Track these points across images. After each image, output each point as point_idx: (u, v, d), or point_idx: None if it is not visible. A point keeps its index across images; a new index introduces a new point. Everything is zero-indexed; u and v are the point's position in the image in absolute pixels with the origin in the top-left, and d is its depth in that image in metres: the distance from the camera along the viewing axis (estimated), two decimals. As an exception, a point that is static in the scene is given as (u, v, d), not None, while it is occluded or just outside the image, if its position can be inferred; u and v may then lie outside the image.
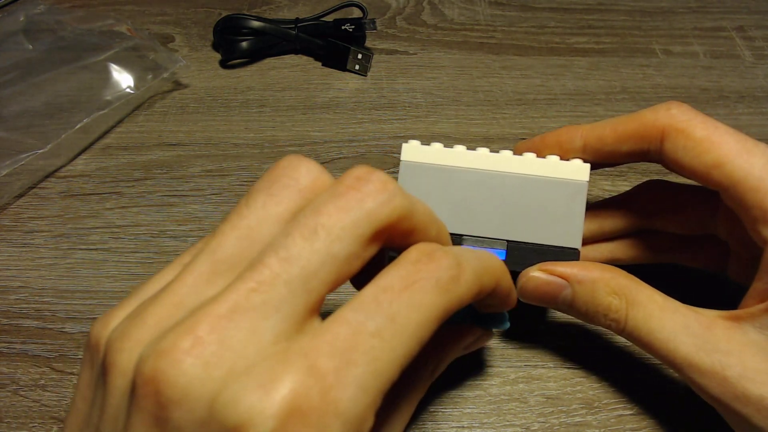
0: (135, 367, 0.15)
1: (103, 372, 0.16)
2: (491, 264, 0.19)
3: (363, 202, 0.16)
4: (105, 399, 0.16)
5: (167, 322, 0.16)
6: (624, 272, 0.25)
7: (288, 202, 0.17)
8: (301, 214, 0.16)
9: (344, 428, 0.14)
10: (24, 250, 0.32)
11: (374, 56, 0.42)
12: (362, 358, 0.15)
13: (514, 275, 0.26)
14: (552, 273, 0.25)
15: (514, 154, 0.26)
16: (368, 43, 0.43)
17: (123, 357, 0.16)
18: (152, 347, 0.15)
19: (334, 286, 0.16)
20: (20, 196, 0.35)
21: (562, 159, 0.26)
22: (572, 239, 0.26)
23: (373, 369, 0.15)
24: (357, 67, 0.41)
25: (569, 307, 0.25)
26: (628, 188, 0.35)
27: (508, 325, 0.25)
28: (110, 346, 0.16)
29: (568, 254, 0.25)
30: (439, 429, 0.27)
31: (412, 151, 0.26)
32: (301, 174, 0.18)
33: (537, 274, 0.25)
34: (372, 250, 0.17)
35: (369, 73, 0.42)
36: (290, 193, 0.17)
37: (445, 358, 0.24)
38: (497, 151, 0.26)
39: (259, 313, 0.15)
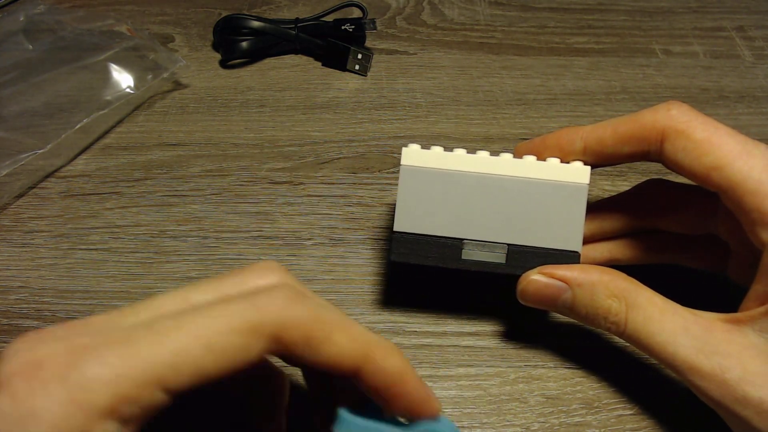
0: None
1: None
2: (359, 331, 0.19)
3: (239, 274, 0.19)
4: None
5: None
6: (624, 275, 0.25)
7: (235, 288, 0.20)
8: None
9: (63, 391, 0.15)
10: (24, 250, 0.32)
11: (374, 56, 0.42)
12: (122, 343, 0.16)
13: (515, 279, 0.26)
14: (552, 276, 0.25)
15: (514, 156, 0.26)
16: (368, 43, 0.43)
17: None
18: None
19: None
20: (20, 196, 0.35)
21: (562, 161, 0.26)
22: (572, 242, 0.26)
23: (126, 352, 0.16)
24: (357, 67, 0.41)
25: (569, 310, 0.25)
26: (628, 188, 0.35)
27: None
28: None
29: (569, 257, 0.26)
30: (439, 429, 0.27)
31: (412, 155, 0.26)
32: (252, 278, 0.20)
33: (537, 277, 0.25)
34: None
35: (369, 73, 0.42)
36: (234, 285, 0.20)
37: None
38: (497, 155, 0.26)
39: (97, 327, 0.17)
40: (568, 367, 0.28)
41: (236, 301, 0.18)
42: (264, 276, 0.19)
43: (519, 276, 0.26)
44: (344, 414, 0.19)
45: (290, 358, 0.18)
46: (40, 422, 0.15)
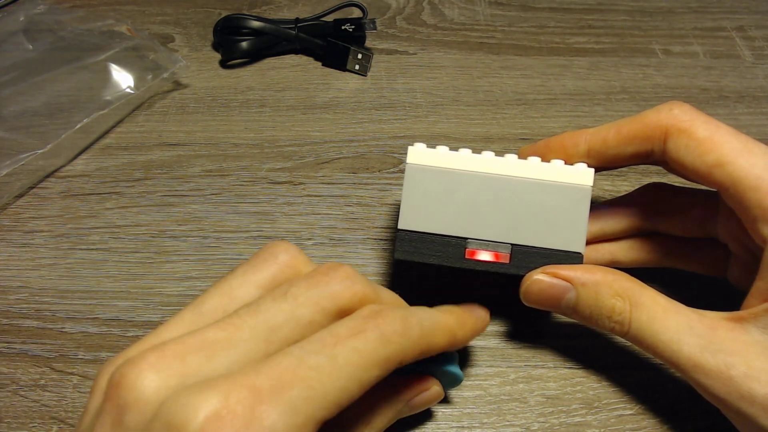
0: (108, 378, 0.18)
1: (90, 393, 0.19)
2: (443, 321, 0.22)
3: (329, 283, 0.20)
4: (84, 414, 0.18)
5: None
6: (627, 275, 0.25)
7: (266, 273, 0.21)
8: (278, 285, 0.20)
9: None
10: (24, 250, 0.32)
11: (374, 56, 0.42)
12: (298, 384, 0.17)
13: (518, 279, 0.26)
14: (556, 276, 0.25)
15: (519, 158, 0.26)
16: (368, 43, 0.43)
17: (103, 378, 0.18)
18: (123, 359, 0.18)
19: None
20: (20, 196, 0.35)
21: (566, 163, 0.26)
22: (576, 243, 0.26)
23: (306, 395, 0.17)
24: (357, 67, 0.41)
25: (573, 310, 0.25)
26: (628, 188, 0.35)
27: (459, 379, 0.26)
28: (98, 374, 0.19)
29: (572, 258, 0.26)
30: (439, 429, 0.27)
31: (417, 154, 0.26)
32: (280, 252, 0.21)
33: (540, 277, 0.25)
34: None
35: (369, 73, 0.42)
36: (269, 266, 0.21)
37: (383, 410, 0.23)
38: (502, 155, 0.26)
39: (221, 346, 0.18)
40: (568, 367, 0.28)
41: (368, 334, 0.19)
42: (351, 288, 0.20)
43: (522, 276, 0.26)
44: None
45: None
46: None
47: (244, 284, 0.21)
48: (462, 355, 0.29)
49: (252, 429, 0.16)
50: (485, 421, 0.27)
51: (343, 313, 0.20)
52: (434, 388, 0.25)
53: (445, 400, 0.27)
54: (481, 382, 0.28)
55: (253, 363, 0.17)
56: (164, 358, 0.17)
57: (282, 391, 0.16)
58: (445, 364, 0.25)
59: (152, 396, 0.17)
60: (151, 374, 0.17)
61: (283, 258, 0.21)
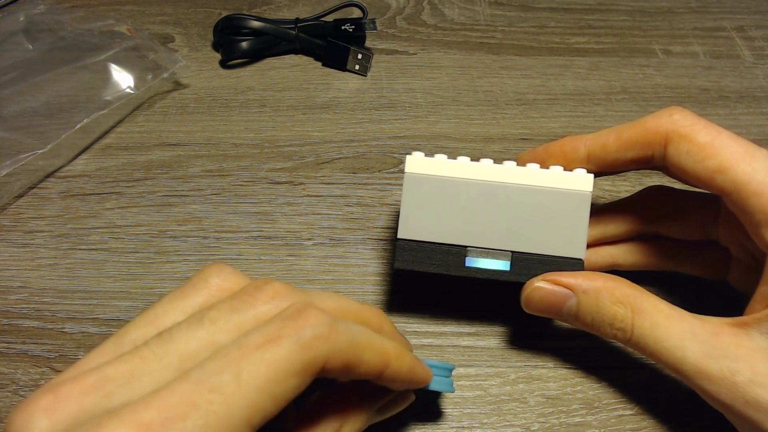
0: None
1: None
2: (379, 342, 0.20)
3: (254, 304, 0.18)
4: None
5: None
6: (628, 282, 0.25)
7: (195, 298, 0.19)
8: (199, 309, 0.19)
9: None
10: (24, 250, 0.32)
11: (374, 56, 0.42)
12: (194, 413, 0.15)
13: (519, 286, 0.26)
14: (556, 283, 0.25)
15: (518, 164, 0.26)
16: (368, 43, 0.43)
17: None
18: (20, 402, 0.17)
19: None
20: (20, 196, 0.35)
21: (565, 169, 0.26)
22: (576, 249, 0.26)
23: (205, 423, 0.15)
24: (357, 67, 0.41)
25: (574, 318, 0.25)
26: (628, 188, 0.35)
27: (450, 388, 0.24)
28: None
29: (572, 264, 0.26)
30: (439, 429, 0.27)
31: (415, 163, 0.26)
32: (211, 274, 0.20)
33: (541, 284, 0.25)
34: None
35: (369, 73, 0.42)
36: (198, 291, 0.20)
37: (351, 418, 0.21)
38: (501, 162, 0.26)
39: (121, 381, 0.17)
40: (568, 367, 0.28)
41: (283, 341, 0.17)
42: (278, 307, 0.19)
43: (523, 283, 0.26)
44: None
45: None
46: None
47: (171, 311, 0.19)
48: (462, 355, 0.29)
49: None
50: (485, 421, 0.27)
51: None
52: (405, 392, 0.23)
53: (445, 400, 0.27)
54: (481, 382, 0.28)
55: (146, 395, 0.16)
56: (58, 400, 0.16)
57: (174, 423, 0.15)
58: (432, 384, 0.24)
59: None
60: (42, 418, 0.16)
61: (214, 281, 0.20)
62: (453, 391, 0.25)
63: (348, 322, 0.19)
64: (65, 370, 0.18)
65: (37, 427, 0.16)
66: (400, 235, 0.26)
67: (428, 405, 0.27)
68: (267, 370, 0.17)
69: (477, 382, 0.28)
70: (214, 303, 0.19)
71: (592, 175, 0.26)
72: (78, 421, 0.16)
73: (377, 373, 0.20)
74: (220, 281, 0.20)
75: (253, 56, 0.42)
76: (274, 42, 0.42)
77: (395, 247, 0.26)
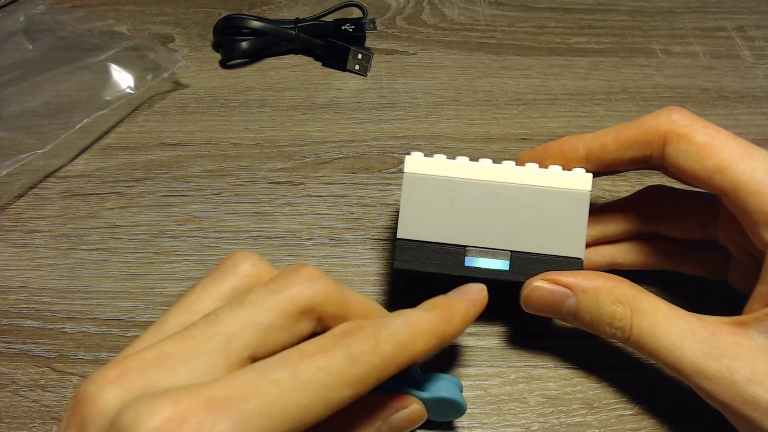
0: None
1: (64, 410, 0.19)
2: (424, 325, 0.20)
3: (288, 286, 0.20)
4: (58, 429, 0.19)
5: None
6: (627, 281, 0.25)
7: (226, 284, 0.21)
8: (232, 294, 0.21)
9: None
10: (24, 250, 0.32)
11: (374, 56, 0.42)
12: (255, 398, 0.16)
13: (518, 286, 0.26)
14: (555, 282, 0.25)
15: (517, 164, 0.26)
16: (368, 43, 0.43)
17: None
18: (87, 377, 0.18)
19: (258, 351, 0.19)
20: (20, 196, 0.35)
21: (564, 169, 0.26)
22: (575, 249, 0.26)
23: (261, 409, 0.16)
24: (357, 67, 0.41)
25: (573, 317, 0.25)
26: (628, 188, 0.35)
27: (459, 404, 0.24)
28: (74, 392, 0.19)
29: (572, 264, 0.26)
30: (439, 429, 0.27)
31: (415, 163, 0.26)
32: (240, 261, 0.21)
33: (540, 284, 0.25)
34: (299, 327, 0.20)
35: (369, 73, 0.42)
36: (229, 277, 0.21)
37: (359, 429, 0.22)
38: (500, 162, 0.26)
39: (180, 359, 0.18)
40: (568, 367, 0.28)
41: (337, 353, 0.18)
42: (312, 289, 0.20)
43: (522, 283, 0.26)
44: None
45: None
46: None
47: (204, 298, 0.20)
48: (462, 355, 0.29)
49: None
50: (485, 421, 0.27)
51: (308, 315, 0.20)
52: (413, 406, 0.23)
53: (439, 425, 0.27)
54: (481, 382, 0.28)
55: (215, 376, 0.17)
56: (125, 373, 0.17)
57: (236, 402, 0.16)
58: (441, 390, 0.24)
59: (113, 409, 0.17)
60: (112, 388, 0.17)
61: (244, 268, 0.21)
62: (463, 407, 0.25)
63: (390, 324, 0.20)
64: (118, 355, 0.19)
65: (109, 395, 0.17)
66: (399, 235, 0.26)
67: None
68: (324, 376, 0.18)
69: (477, 382, 0.28)
70: (252, 287, 0.20)
71: (590, 175, 0.26)
72: (146, 392, 0.17)
73: (438, 346, 0.21)
74: (249, 267, 0.21)
75: (253, 56, 0.42)
76: (274, 42, 0.42)
77: (395, 246, 0.26)
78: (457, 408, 0.24)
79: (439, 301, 0.22)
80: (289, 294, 0.19)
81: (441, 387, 0.24)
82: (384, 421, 0.22)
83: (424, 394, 0.23)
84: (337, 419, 0.20)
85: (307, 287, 0.20)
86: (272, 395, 0.17)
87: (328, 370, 0.18)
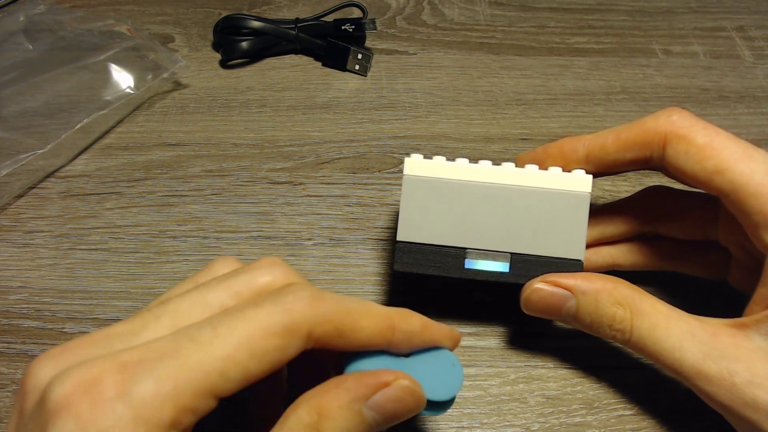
0: None
1: None
2: (377, 309, 0.20)
3: (249, 271, 0.20)
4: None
5: None
6: (627, 283, 0.25)
7: (199, 281, 0.21)
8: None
9: (128, 410, 0.16)
10: (24, 250, 0.32)
11: (374, 56, 0.42)
12: (168, 357, 0.17)
13: (518, 288, 0.26)
14: (555, 284, 0.25)
15: (517, 165, 0.26)
16: (368, 43, 0.43)
17: None
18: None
19: None
20: (20, 196, 0.35)
21: (564, 170, 0.26)
22: (575, 251, 0.26)
23: (177, 364, 0.17)
24: (357, 67, 0.41)
25: (573, 318, 0.25)
26: (628, 188, 0.35)
27: (449, 360, 0.21)
28: None
29: (572, 265, 0.26)
30: (439, 429, 0.27)
31: (414, 165, 0.26)
32: (217, 263, 0.22)
33: (540, 286, 0.25)
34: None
35: (369, 73, 0.42)
36: (202, 276, 0.21)
37: (332, 410, 0.18)
38: (499, 164, 0.26)
39: (124, 337, 0.18)
40: (568, 367, 0.28)
41: (265, 304, 0.18)
42: (270, 273, 0.20)
43: (522, 285, 0.26)
44: (350, 360, 0.20)
45: (321, 349, 0.19)
46: None
47: (174, 292, 0.21)
48: (462, 355, 0.29)
49: (109, 396, 0.16)
50: (485, 421, 0.27)
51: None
52: (400, 381, 0.19)
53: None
54: (481, 383, 0.28)
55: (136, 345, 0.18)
56: (65, 351, 0.18)
57: (150, 362, 0.17)
58: (426, 354, 0.21)
59: (45, 383, 0.17)
60: (47, 364, 0.18)
61: (218, 268, 0.21)
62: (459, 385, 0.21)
63: (339, 295, 0.20)
64: None
65: (44, 371, 0.17)
66: (399, 238, 0.26)
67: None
68: (246, 326, 0.17)
69: (477, 382, 0.28)
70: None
71: (590, 176, 0.26)
72: (70, 367, 0.17)
73: (384, 338, 0.20)
74: (224, 269, 0.21)
75: (253, 56, 0.42)
76: (274, 42, 0.42)
77: (394, 249, 0.26)
78: (451, 366, 0.21)
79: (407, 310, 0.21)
80: (245, 277, 0.20)
81: (425, 353, 0.21)
82: (362, 402, 0.18)
83: (405, 359, 0.21)
84: (308, 397, 0.19)
85: (266, 272, 0.20)
86: (189, 350, 0.17)
87: (252, 320, 0.18)
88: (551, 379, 0.28)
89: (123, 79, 0.38)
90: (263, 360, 0.17)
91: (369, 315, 0.20)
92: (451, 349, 0.22)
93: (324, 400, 0.18)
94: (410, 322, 0.21)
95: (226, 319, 0.18)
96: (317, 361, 0.24)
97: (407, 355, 0.21)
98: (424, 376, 0.20)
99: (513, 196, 0.26)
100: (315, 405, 0.18)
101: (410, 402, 0.19)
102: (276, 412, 0.22)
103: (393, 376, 0.19)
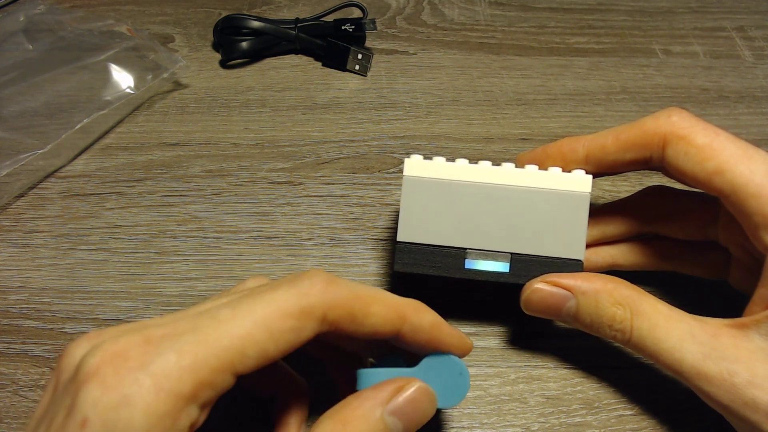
0: None
1: None
2: (390, 298, 0.21)
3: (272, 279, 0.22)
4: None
5: None
6: (627, 283, 0.25)
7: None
8: None
9: (150, 379, 0.17)
10: (24, 250, 0.32)
11: (374, 56, 0.42)
12: (191, 331, 0.18)
13: (518, 288, 0.26)
14: (556, 284, 0.25)
15: (516, 166, 0.26)
16: (368, 43, 0.43)
17: None
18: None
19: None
20: (20, 196, 0.35)
21: (564, 170, 0.26)
22: (575, 251, 0.26)
23: (197, 339, 0.17)
24: (357, 67, 0.41)
25: (573, 319, 0.25)
26: (628, 188, 0.35)
27: (457, 364, 0.22)
28: None
29: (572, 266, 0.26)
30: (439, 429, 0.27)
31: (414, 165, 0.26)
32: (249, 280, 0.23)
33: (540, 286, 0.25)
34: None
35: (369, 73, 0.42)
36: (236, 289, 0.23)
37: (355, 420, 0.19)
38: (499, 164, 0.26)
39: (156, 327, 0.18)
40: (568, 367, 0.28)
41: (282, 287, 0.19)
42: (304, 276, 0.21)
43: (522, 285, 0.26)
44: (362, 372, 0.22)
45: (335, 335, 0.20)
46: (133, 408, 0.16)
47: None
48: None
49: (133, 366, 0.17)
50: (485, 421, 0.27)
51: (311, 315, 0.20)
52: (413, 384, 0.20)
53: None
54: (481, 383, 0.28)
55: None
56: (101, 333, 0.19)
57: (172, 337, 0.18)
58: (432, 358, 0.22)
59: (79, 360, 0.18)
60: (84, 343, 0.19)
61: (250, 284, 0.23)
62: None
63: (353, 281, 0.20)
64: None
65: (79, 350, 0.19)
66: (399, 238, 0.26)
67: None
68: (264, 307, 0.18)
69: (477, 382, 0.28)
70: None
71: (590, 177, 0.26)
72: (103, 344, 0.18)
73: (393, 327, 0.20)
74: (256, 285, 0.22)
75: (253, 56, 0.42)
76: (274, 42, 0.42)
77: (395, 250, 0.26)
78: (458, 375, 0.22)
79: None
80: (268, 279, 0.21)
81: (431, 357, 0.22)
82: (383, 407, 0.20)
83: (414, 369, 0.22)
84: (332, 412, 0.20)
85: (290, 275, 0.21)
86: (209, 328, 0.18)
87: (269, 301, 0.19)
88: (551, 379, 0.28)
89: (123, 79, 0.38)
90: (280, 340, 0.18)
91: (380, 302, 0.20)
92: (461, 357, 0.22)
93: (347, 411, 0.20)
94: (421, 316, 0.21)
95: (246, 300, 0.19)
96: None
97: (415, 364, 0.22)
98: (431, 384, 0.21)
99: (513, 197, 0.26)
100: (339, 418, 0.19)
101: (426, 404, 0.21)
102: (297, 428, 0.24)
103: (407, 381, 0.21)
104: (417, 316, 0.21)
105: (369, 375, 0.22)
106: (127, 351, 0.17)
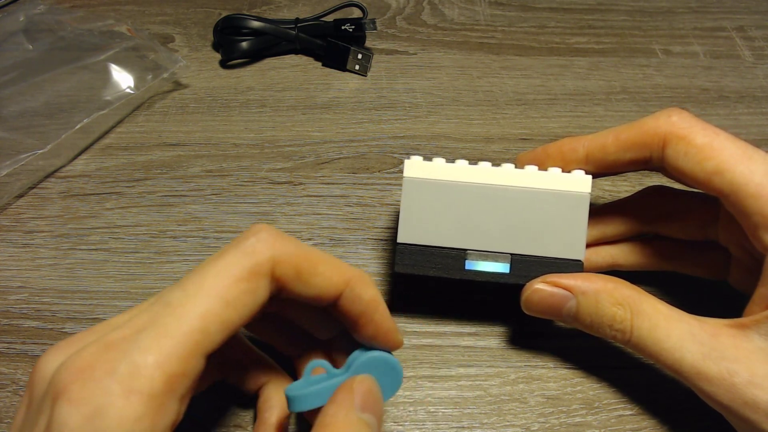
0: None
1: None
2: (339, 263, 0.21)
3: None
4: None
5: None
6: (627, 283, 0.25)
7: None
8: None
9: (118, 385, 0.16)
10: (24, 250, 0.32)
11: (374, 56, 0.42)
12: (149, 328, 0.17)
13: (519, 288, 0.26)
14: (556, 285, 0.25)
15: (516, 166, 0.26)
16: (368, 43, 0.43)
17: None
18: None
19: None
20: (20, 196, 0.35)
21: (564, 171, 0.26)
22: (575, 251, 0.26)
23: (156, 333, 0.17)
24: (357, 67, 0.41)
25: (574, 319, 0.25)
26: (628, 188, 0.35)
27: (387, 360, 0.22)
28: None
29: (572, 266, 0.26)
30: (439, 429, 0.27)
31: (414, 167, 0.26)
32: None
33: (541, 286, 0.25)
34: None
35: (369, 73, 0.42)
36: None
37: (335, 426, 0.19)
38: (499, 165, 0.26)
39: (125, 328, 0.18)
40: (568, 367, 0.28)
41: (229, 252, 0.19)
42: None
43: (523, 285, 0.26)
44: (291, 392, 0.21)
45: (284, 300, 0.20)
46: (107, 417, 0.16)
47: None
48: (462, 355, 0.29)
49: (99, 376, 0.17)
50: (485, 421, 0.27)
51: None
52: (361, 378, 0.21)
53: (445, 400, 0.27)
54: (481, 383, 0.28)
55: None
56: (69, 343, 0.19)
57: (132, 337, 0.17)
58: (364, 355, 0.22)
59: (51, 373, 0.18)
60: (55, 356, 0.18)
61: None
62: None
63: (302, 242, 0.20)
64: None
65: (51, 363, 0.18)
66: (399, 239, 0.26)
67: (428, 405, 0.27)
68: (213, 278, 0.18)
69: (477, 382, 0.28)
70: None
71: (590, 177, 0.26)
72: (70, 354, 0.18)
73: (337, 290, 0.20)
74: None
75: (253, 56, 0.42)
76: (274, 42, 0.42)
77: (395, 251, 0.26)
78: (391, 369, 0.22)
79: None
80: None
81: (362, 356, 0.22)
82: (354, 409, 0.20)
83: (349, 371, 0.22)
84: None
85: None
86: (166, 317, 0.17)
87: (218, 271, 0.18)
88: (551, 379, 0.28)
89: (123, 79, 0.38)
90: (238, 306, 0.18)
91: (327, 263, 0.20)
92: (391, 351, 0.22)
93: (327, 419, 0.19)
94: (364, 287, 0.21)
95: (193, 277, 0.18)
96: None
97: (347, 369, 0.22)
98: (367, 369, 0.22)
99: (513, 197, 0.26)
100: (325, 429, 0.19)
101: (380, 394, 0.21)
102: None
103: (361, 378, 0.21)
104: (360, 286, 0.21)
105: (299, 385, 0.21)
106: (91, 363, 0.17)
